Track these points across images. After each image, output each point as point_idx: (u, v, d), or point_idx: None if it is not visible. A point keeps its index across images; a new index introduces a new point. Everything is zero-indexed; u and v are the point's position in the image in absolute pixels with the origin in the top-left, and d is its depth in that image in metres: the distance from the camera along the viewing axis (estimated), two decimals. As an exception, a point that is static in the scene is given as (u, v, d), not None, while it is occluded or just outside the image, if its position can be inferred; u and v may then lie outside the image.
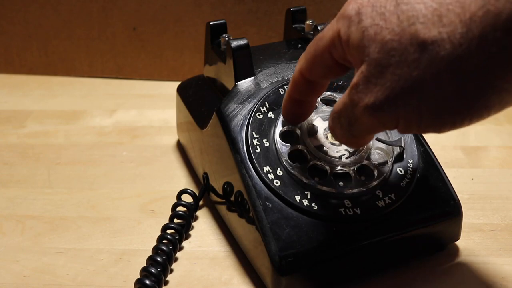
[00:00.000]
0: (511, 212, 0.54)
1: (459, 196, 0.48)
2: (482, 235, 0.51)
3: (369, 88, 0.35)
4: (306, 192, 0.44)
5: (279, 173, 0.45)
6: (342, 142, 0.41)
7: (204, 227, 0.53)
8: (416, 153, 0.48)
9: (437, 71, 0.32)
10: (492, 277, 0.47)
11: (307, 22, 0.56)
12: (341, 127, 0.39)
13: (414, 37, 0.33)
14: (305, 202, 0.44)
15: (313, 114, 0.48)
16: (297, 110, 0.46)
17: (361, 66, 0.36)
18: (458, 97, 0.33)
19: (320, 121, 0.48)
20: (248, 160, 0.46)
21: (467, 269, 0.47)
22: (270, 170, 0.45)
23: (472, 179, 0.58)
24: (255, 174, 0.45)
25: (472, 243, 0.50)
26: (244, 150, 0.46)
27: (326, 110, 0.49)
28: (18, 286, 0.47)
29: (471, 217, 0.53)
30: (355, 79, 0.36)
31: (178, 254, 0.50)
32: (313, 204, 0.44)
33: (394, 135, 0.48)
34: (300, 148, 0.46)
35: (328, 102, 0.50)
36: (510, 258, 0.49)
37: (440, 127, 0.35)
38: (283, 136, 0.47)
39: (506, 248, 0.50)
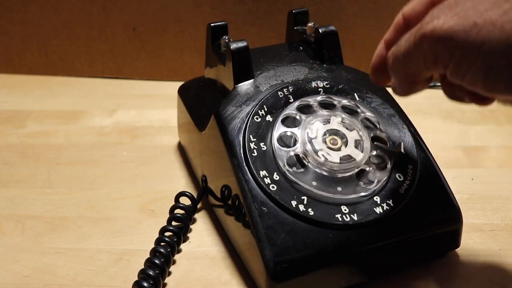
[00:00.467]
0: (511, 212, 0.54)
1: (459, 196, 0.47)
2: (482, 235, 0.51)
3: (443, 12, 0.35)
4: (302, 198, 0.44)
5: (276, 177, 0.45)
6: (394, 73, 0.40)
7: (203, 227, 0.53)
8: (416, 158, 0.47)
9: None
10: (492, 277, 0.47)
11: (309, 24, 0.56)
12: (398, 52, 0.38)
13: None
14: (301, 207, 0.44)
15: (311, 118, 0.48)
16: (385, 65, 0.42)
17: None
18: None
19: (318, 125, 0.48)
20: (244, 163, 0.46)
21: (467, 269, 0.47)
22: (267, 175, 0.45)
23: (472, 179, 0.58)
24: (251, 178, 0.45)
25: (472, 243, 0.50)
26: (241, 153, 0.46)
27: (325, 113, 0.48)
28: (18, 286, 0.47)
29: (471, 217, 0.53)
30: (434, 8, 0.36)
31: (178, 254, 0.50)
32: (309, 210, 0.44)
33: (394, 140, 0.48)
34: (298, 153, 0.46)
35: (327, 105, 0.49)
36: (510, 258, 0.49)
37: (489, 87, 0.33)
38: (280, 140, 0.47)
39: (506, 248, 0.50)
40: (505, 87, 0.33)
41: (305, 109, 0.49)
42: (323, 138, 0.47)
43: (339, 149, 0.47)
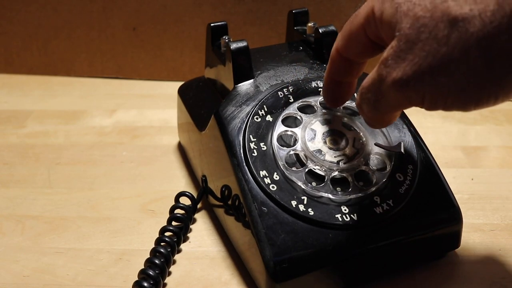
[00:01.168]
0: (511, 212, 0.54)
1: (459, 196, 0.48)
2: (482, 235, 0.51)
3: (398, 63, 0.36)
4: (302, 198, 0.44)
5: (276, 177, 0.45)
6: (368, 118, 0.42)
7: (204, 227, 0.53)
8: (416, 158, 0.47)
9: (465, 48, 0.33)
10: (492, 277, 0.47)
11: (309, 24, 0.56)
12: (368, 103, 0.40)
13: (445, 13, 0.34)
14: (301, 207, 0.44)
15: (311, 118, 0.48)
16: (336, 92, 0.46)
17: (391, 42, 0.36)
18: (485, 74, 0.33)
19: (318, 125, 0.48)
20: (244, 163, 0.46)
21: (467, 270, 0.47)
22: (267, 175, 0.45)
23: (472, 179, 0.58)
24: (251, 178, 0.45)
25: (472, 243, 0.50)
26: (241, 153, 0.46)
27: (325, 114, 0.48)
28: (18, 286, 0.47)
29: (471, 217, 0.53)
30: (384, 54, 0.37)
31: (178, 254, 0.50)
32: (309, 210, 0.44)
33: (394, 140, 0.48)
34: (297, 152, 0.46)
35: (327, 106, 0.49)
36: (510, 258, 0.49)
37: (465, 105, 0.35)
38: (280, 140, 0.47)
39: (506, 248, 0.50)
40: (489, 98, 0.35)
41: (306, 109, 0.49)
42: (323, 138, 0.47)
43: (339, 149, 0.47)
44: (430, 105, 0.36)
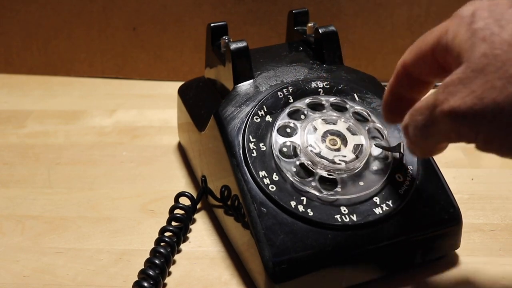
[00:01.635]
0: (511, 212, 0.54)
1: (459, 196, 0.47)
2: (482, 235, 0.51)
3: (459, 91, 0.33)
4: (301, 198, 0.44)
5: (275, 178, 0.45)
6: (411, 142, 0.39)
7: (203, 228, 0.53)
8: (416, 159, 0.47)
9: None
10: (492, 277, 0.47)
11: (309, 24, 0.56)
12: (415, 126, 0.37)
13: None
14: (301, 208, 0.44)
15: (314, 116, 0.48)
16: (397, 108, 0.42)
17: (458, 68, 0.34)
18: None
19: (318, 125, 0.48)
20: (244, 164, 0.46)
21: (467, 270, 0.47)
22: (266, 175, 0.45)
23: (472, 179, 0.58)
24: (251, 179, 0.45)
25: (472, 243, 0.50)
26: (240, 154, 0.46)
27: (327, 113, 0.48)
28: (18, 286, 0.47)
29: (471, 217, 0.53)
30: (447, 79, 0.34)
31: (178, 254, 0.50)
32: (308, 210, 0.44)
33: (393, 140, 0.48)
34: (297, 152, 0.46)
35: (338, 108, 0.49)
36: (510, 258, 0.49)
37: None
38: (279, 140, 0.47)
39: (506, 248, 0.50)
40: None
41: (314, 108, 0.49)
42: (323, 138, 0.47)
43: (338, 150, 0.47)
44: (483, 146, 0.34)
